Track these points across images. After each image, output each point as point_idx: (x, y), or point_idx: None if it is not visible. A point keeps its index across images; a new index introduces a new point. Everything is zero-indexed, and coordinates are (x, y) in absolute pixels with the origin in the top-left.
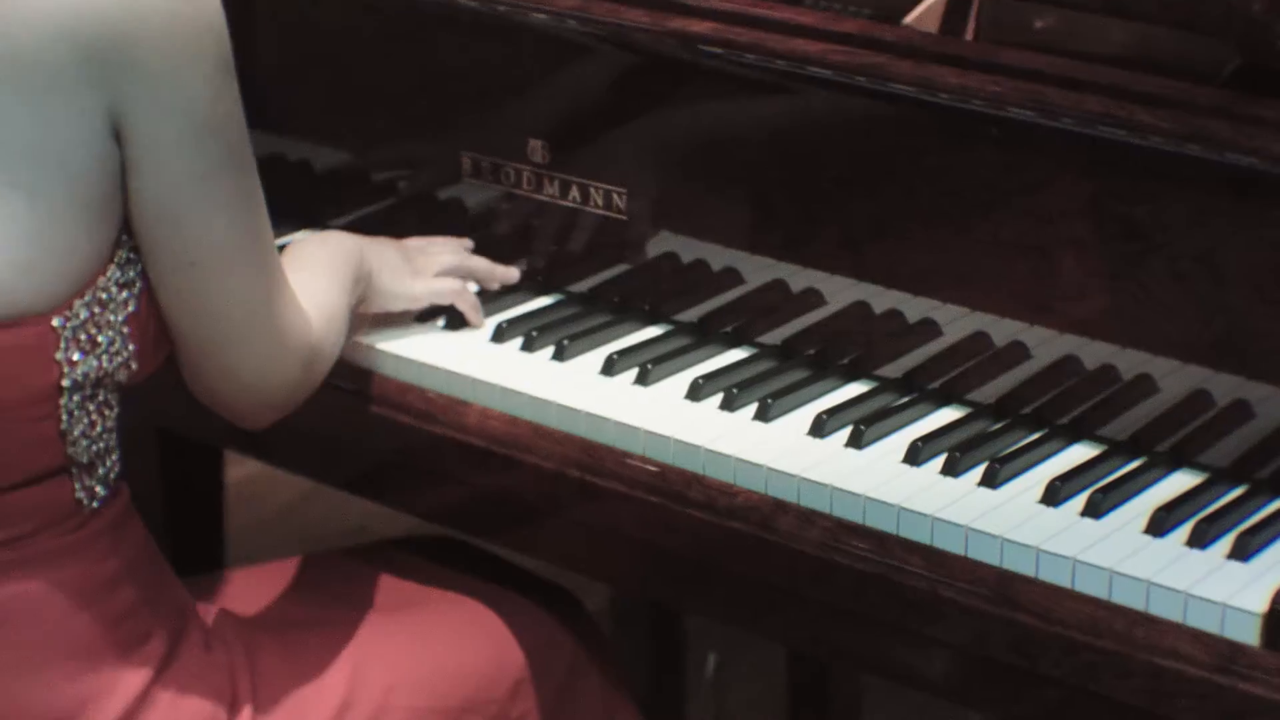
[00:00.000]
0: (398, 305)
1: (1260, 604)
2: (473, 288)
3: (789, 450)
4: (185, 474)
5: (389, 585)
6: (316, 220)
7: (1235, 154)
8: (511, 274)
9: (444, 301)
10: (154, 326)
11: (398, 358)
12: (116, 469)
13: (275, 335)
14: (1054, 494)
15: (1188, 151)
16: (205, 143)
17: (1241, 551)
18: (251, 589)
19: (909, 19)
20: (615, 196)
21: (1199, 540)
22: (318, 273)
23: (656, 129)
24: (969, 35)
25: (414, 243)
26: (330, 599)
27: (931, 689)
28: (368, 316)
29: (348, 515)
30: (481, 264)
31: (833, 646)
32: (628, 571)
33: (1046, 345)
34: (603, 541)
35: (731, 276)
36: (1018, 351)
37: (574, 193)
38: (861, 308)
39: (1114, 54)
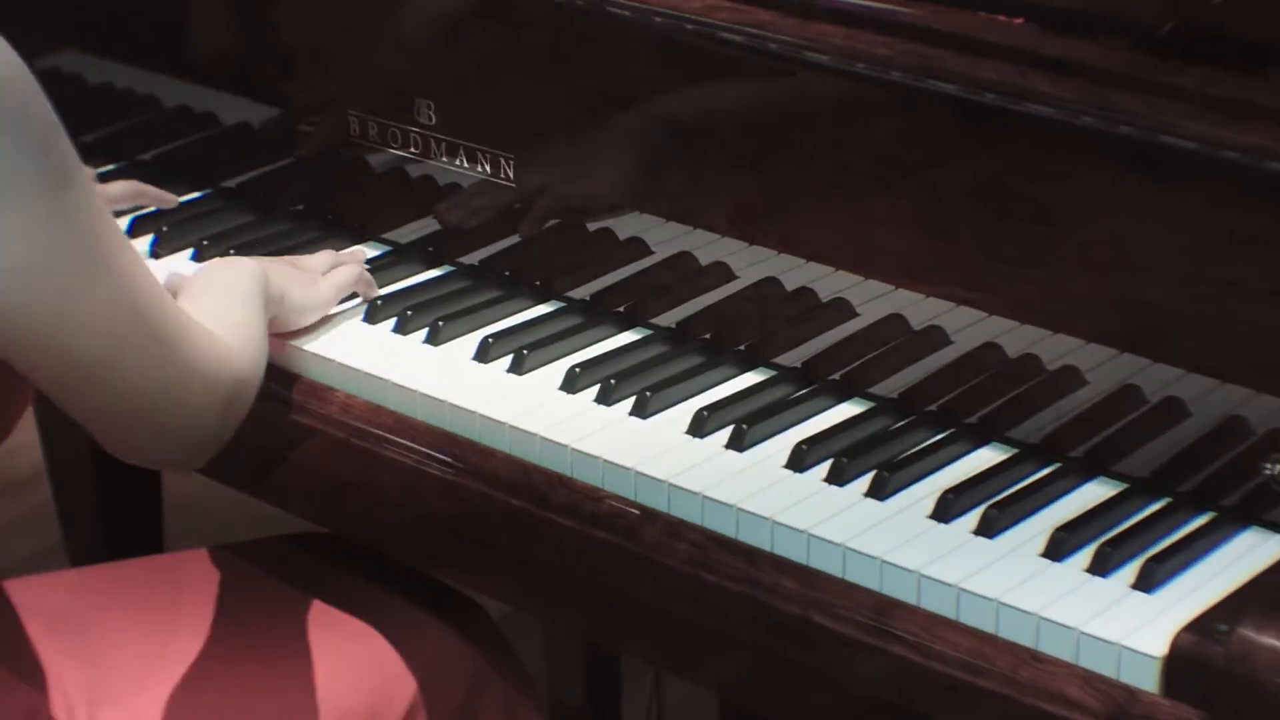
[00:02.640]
0: (312, 317)
1: (1161, 645)
2: None
3: (663, 451)
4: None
5: (258, 599)
6: (205, 182)
7: (1142, 130)
8: (359, 253)
9: (349, 290)
10: None
11: None
12: None
13: (169, 355)
14: (946, 508)
15: (1090, 125)
16: None
17: (1147, 581)
18: (102, 600)
19: None
20: (503, 161)
21: (1101, 566)
22: (229, 296)
23: (548, 90)
24: None
25: (281, 259)
26: (186, 624)
27: None
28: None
29: None
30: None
31: (705, 673)
32: (496, 580)
33: (968, 331)
34: (468, 546)
35: (635, 248)
36: (936, 337)
37: (461, 157)
38: (772, 284)
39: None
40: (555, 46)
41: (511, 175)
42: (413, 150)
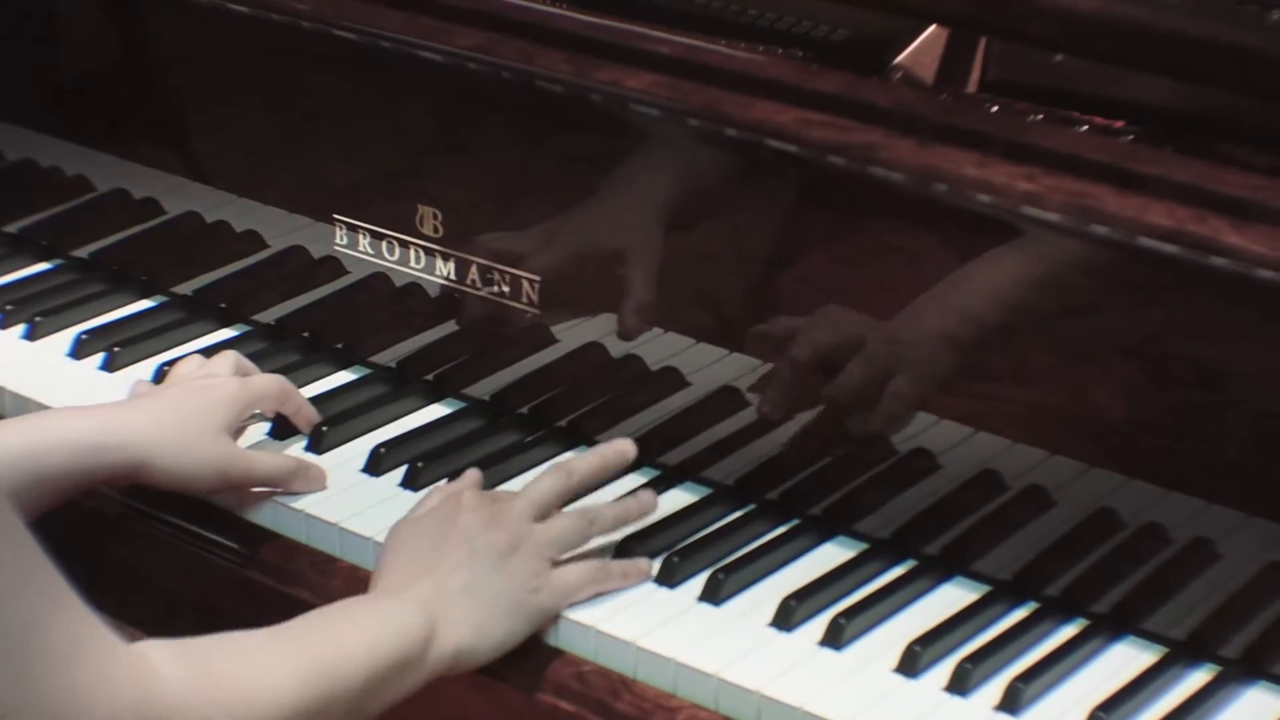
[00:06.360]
0: (530, 630)
1: None
2: None
3: (746, 651)
4: None
5: None
6: (156, 285)
7: None
8: (649, 503)
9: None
10: None
11: None
12: None
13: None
14: None
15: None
16: None
17: None
18: None
19: (901, 57)
20: (527, 285)
21: None
22: (290, 650)
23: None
24: (975, 74)
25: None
26: None
27: None
28: None
29: None
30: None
31: None
32: None
33: (1077, 488)
34: None
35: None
36: (1040, 499)
37: (473, 275)
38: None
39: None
40: (585, 152)
41: (536, 299)
42: (414, 265)
